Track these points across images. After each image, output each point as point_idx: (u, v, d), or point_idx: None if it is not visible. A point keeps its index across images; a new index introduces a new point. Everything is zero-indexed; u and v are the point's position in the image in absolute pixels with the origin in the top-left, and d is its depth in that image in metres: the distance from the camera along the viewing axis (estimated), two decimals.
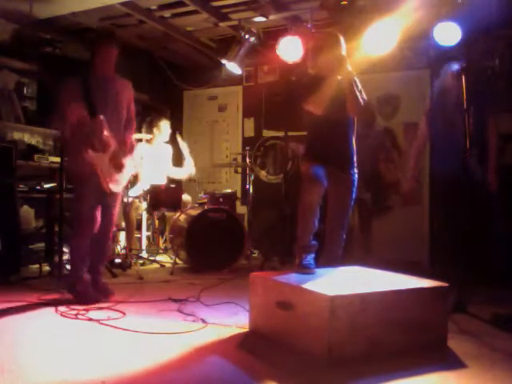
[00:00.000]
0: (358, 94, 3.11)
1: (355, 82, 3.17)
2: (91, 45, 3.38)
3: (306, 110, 3.17)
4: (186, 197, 5.28)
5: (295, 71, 4.94)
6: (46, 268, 4.10)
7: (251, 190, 5.38)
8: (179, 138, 5.33)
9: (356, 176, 3.25)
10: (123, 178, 3.39)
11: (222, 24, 5.35)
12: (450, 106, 3.65)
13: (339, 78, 3.10)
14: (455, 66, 3.67)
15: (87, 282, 3.27)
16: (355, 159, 3.27)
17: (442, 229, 3.86)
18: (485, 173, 3.63)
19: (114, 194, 3.35)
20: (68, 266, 3.60)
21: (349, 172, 3.22)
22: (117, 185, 3.32)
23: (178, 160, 5.53)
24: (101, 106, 3.20)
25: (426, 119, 3.92)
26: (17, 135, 5.01)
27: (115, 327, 2.60)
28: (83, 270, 3.26)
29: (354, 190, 3.23)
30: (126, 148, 3.37)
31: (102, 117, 3.14)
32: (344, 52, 3.15)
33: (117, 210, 3.45)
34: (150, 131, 5.47)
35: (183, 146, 5.34)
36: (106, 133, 3.15)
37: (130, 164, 3.45)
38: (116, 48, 3.34)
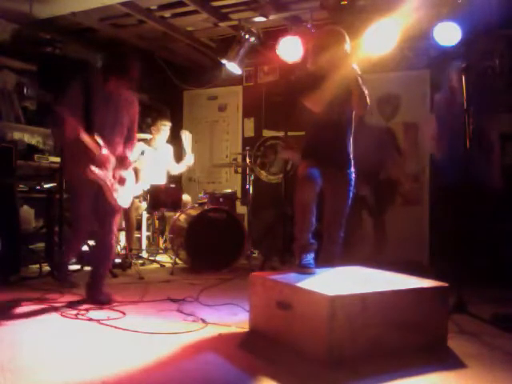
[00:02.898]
0: (364, 90, 3.09)
1: (359, 79, 3.17)
2: (117, 63, 3.15)
3: (305, 107, 3.16)
4: (185, 197, 5.28)
5: (295, 71, 4.94)
6: (46, 268, 4.10)
7: (251, 190, 5.38)
8: (184, 135, 5.27)
9: (353, 175, 3.25)
10: (127, 191, 3.35)
11: (222, 24, 5.35)
12: (458, 108, 3.62)
13: (341, 76, 3.08)
14: (457, 64, 3.63)
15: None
16: (352, 158, 3.26)
17: (442, 228, 3.85)
18: (489, 171, 3.61)
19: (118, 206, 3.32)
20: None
21: (346, 171, 3.23)
22: (123, 200, 3.30)
23: (179, 158, 5.52)
24: (100, 122, 3.11)
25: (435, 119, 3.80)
26: (17, 135, 5.01)
27: (115, 327, 2.60)
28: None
29: (352, 189, 3.24)
30: (123, 163, 3.31)
31: (97, 135, 3.07)
32: (348, 49, 3.14)
33: (117, 219, 3.39)
34: (149, 132, 5.46)
35: (186, 140, 5.27)
36: (103, 150, 3.10)
37: (131, 177, 3.39)
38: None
